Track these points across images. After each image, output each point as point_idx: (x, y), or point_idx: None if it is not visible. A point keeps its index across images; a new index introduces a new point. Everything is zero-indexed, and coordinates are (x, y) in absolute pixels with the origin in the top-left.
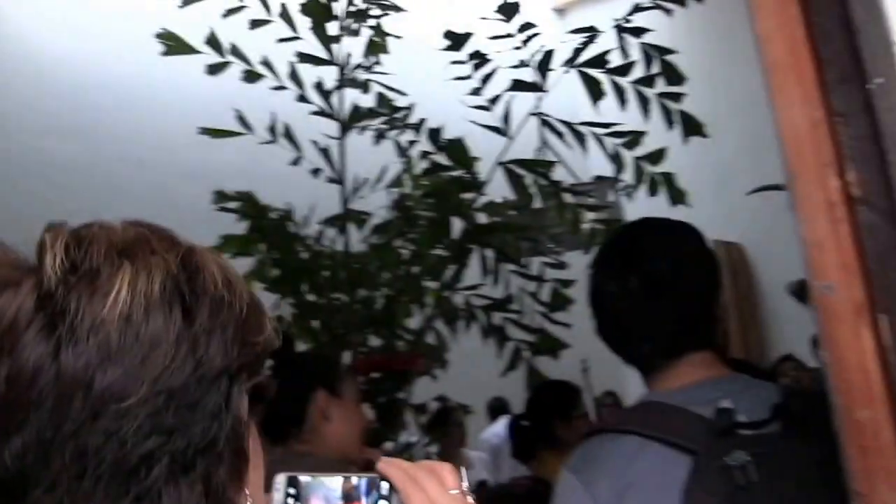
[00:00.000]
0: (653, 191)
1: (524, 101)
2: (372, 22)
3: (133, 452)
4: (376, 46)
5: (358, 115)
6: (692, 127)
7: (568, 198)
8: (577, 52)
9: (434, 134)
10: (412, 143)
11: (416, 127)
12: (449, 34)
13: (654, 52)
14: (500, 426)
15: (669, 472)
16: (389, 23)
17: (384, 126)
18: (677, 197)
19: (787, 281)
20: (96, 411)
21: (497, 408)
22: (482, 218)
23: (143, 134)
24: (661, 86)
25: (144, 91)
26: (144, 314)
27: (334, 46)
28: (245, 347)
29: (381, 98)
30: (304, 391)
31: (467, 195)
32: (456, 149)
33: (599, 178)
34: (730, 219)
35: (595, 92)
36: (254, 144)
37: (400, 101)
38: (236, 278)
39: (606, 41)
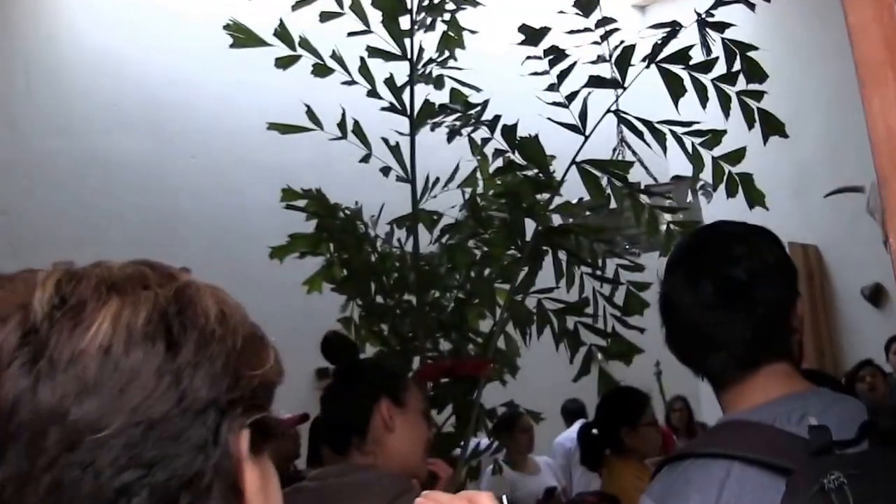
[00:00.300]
0: (731, 192)
1: (601, 99)
2: (446, 16)
3: (109, 485)
4: (451, 41)
5: (429, 110)
6: (773, 126)
7: (644, 199)
8: (658, 47)
9: (508, 131)
10: (486, 140)
11: (490, 125)
12: (525, 28)
13: (735, 48)
14: (574, 430)
15: (764, 495)
16: (464, 17)
17: (456, 123)
18: (756, 198)
19: (863, 284)
20: (72, 442)
21: (573, 411)
22: (556, 219)
23: (214, 132)
24: (741, 83)
25: (214, 88)
26: (125, 346)
27: (406, 41)
28: (239, 381)
29: (454, 94)
30: (367, 400)
31: (541, 195)
32: (530, 147)
33: (677, 178)
34: (807, 221)
35: (676, 89)
36: (325, 143)
37: (474, 98)
38: (234, 311)
39: (687, 37)
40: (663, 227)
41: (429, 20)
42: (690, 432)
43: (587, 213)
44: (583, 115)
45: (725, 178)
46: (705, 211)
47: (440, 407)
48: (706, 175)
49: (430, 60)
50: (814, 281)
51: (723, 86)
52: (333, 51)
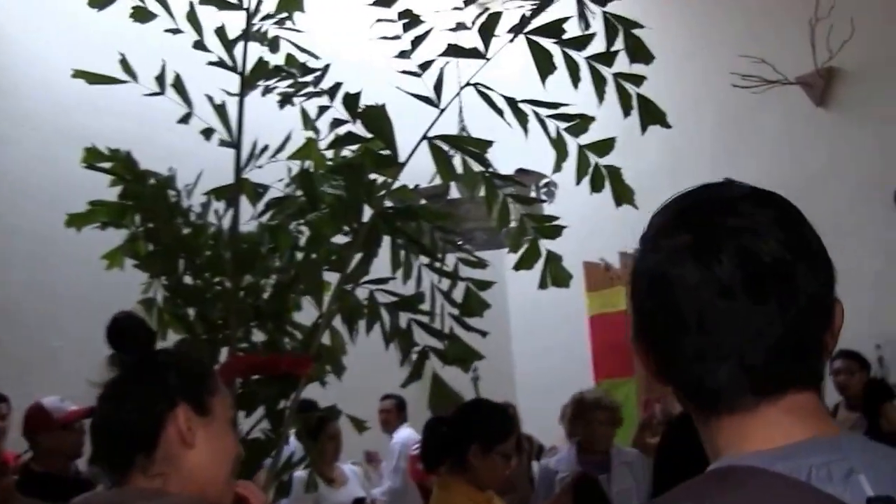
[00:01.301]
0: (596, 186)
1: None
2: None
3: None
4: (291, 1)
5: (262, 69)
6: (652, 115)
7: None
8: (527, 17)
9: (350, 100)
10: (323, 108)
11: (331, 93)
12: None
13: (618, 24)
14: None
15: None
16: None
17: (291, 89)
18: (624, 195)
19: None
20: None
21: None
22: (395, 202)
23: (29, 87)
24: (622, 65)
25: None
26: None
27: None
28: None
29: (290, 59)
30: (159, 406)
31: (381, 175)
32: (375, 117)
33: (522, 171)
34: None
35: (544, 64)
36: (145, 107)
37: (313, 64)
38: None
39: (564, 8)
40: (514, 222)
41: None
42: None
43: (423, 201)
44: (437, 86)
45: (591, 170)
46: (550, 209)
47: (248, 409)
48: (570, 164)
49: (268, 16)
50: None
51: (598, 66)
52: None
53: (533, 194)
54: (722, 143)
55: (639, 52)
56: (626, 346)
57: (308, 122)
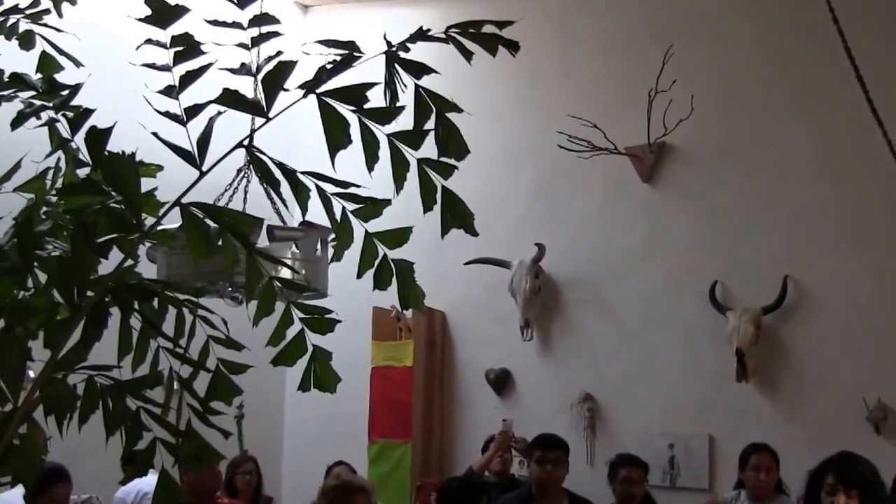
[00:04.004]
0: (380, 283)
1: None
2: None
3: None
4: None
5: None
6: (459, 216)
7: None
8: (325, 73)
9: (95, 137)
10: (65, 141)
11: (74, 120)
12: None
13: (432, 103)
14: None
15: None
16: None
17: (34, 102)
18: (412, 301)
19: (489, 367)
20: None
21: None
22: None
23: None
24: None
25: None
26: None
27: None
28: None
29: (45, 62)
30: None
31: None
32: (120, 167)
33: (308, 225)
34: (439, 283)
35: (336, 136)
36: None
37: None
38: None
39: (369, 74)
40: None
41: None
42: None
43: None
44: (203, 140)
45: (378, 262)
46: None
47: None
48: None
49: (16, 8)
50: (434, 350)
51: (402, 147)
52: None
53: (318, 251)
54: (539, 203)
55: (451, 143)
56: (407, 405)
57: (55, 139)
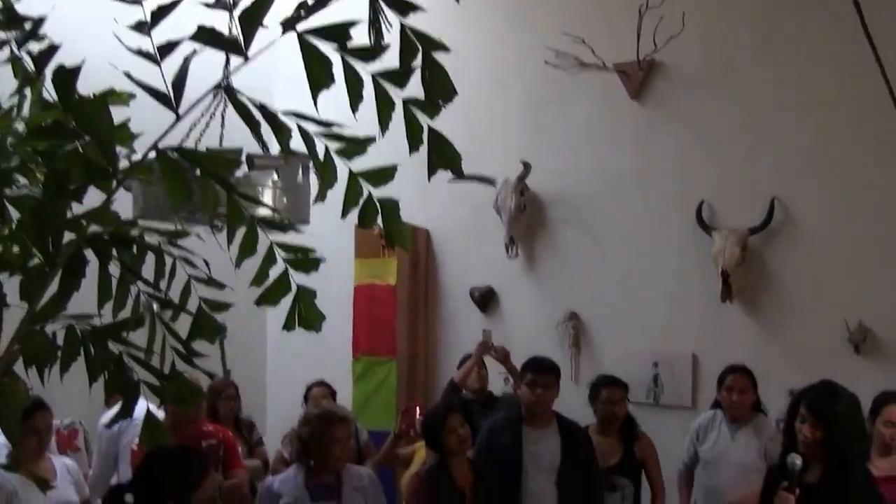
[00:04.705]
0: (365, 221)
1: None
2: None
3: None
4: None
5: None
6: (446, 157)
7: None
8: (305, 8)
9: (65, 77)
10: (29, 80)
11: (39, 57)
12: None
13: (418, 42)
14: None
15: None
16: None
17: None
18: (398, 240)
19: (474, 284)
20: None
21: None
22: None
23: None
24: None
25: None
26: None
27: None
28: None
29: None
30: None
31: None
32: (92, 111)
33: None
34: (425, 202)
35: (317, 75)
36: None
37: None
38: None
39: (353, 11)
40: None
41: None
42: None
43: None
44: (179, 82)
45: (362, 201)
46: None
47: None
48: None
49: None
50: (419, 268)
51: (387, 84)
52: None
53: (300, 178)
54: (526, 121)
55: (438, 84)
56: (391, 324)
57: (18, 74)
